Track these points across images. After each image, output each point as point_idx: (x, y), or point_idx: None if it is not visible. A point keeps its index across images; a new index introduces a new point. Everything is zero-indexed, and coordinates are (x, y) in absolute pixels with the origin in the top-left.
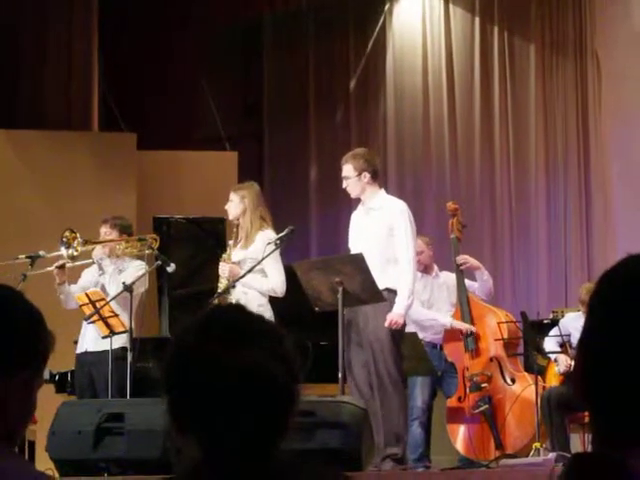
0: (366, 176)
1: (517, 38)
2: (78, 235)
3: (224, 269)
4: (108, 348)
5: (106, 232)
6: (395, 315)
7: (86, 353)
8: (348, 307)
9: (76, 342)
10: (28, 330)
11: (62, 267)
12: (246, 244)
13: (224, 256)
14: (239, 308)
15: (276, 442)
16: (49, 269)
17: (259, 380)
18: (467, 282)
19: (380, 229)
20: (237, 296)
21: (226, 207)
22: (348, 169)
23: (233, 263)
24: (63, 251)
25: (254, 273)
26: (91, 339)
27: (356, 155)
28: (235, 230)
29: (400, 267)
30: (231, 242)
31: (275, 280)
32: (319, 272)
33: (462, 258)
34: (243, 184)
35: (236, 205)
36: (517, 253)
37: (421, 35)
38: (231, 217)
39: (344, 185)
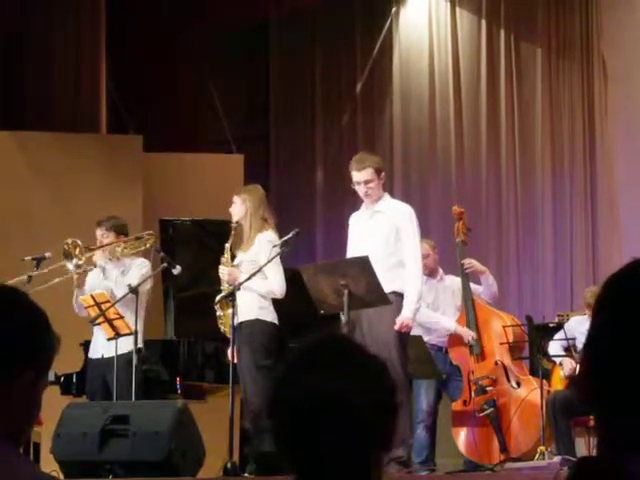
0: (383, 176)
1: (523, 41)
2: (79, 242)
3: (223, 272)
4: (123, 352)
5: (102, 234)
6: (405, 318)
7: (102, 359)
8: (353, 310)
9: (82, 344)
10: (33, 331)
11: (83, 271)
12: (246, 246)
13: (223, 259)
14: (341, 339)
15: (362, 468)
16: (58, 280)
17: (338, 408)
18: (472, 286)
19: (387, 232)
20: (239, 299)
21: (230, 210)
22: (369, 173)
23: (232, 266)
24: (68, 264)
25: (252, 288)
26: (105, 344)
27: (370, 158)
28: (233, 233)
29: (407, 270)
30: (227, 245)
31: (274, 282)
32: (325, 275)
33: (468, 262)
34: (246, 187)
35: (238, 207)
36: (523, 256)
37: (427, 38)
38: (234, 219)
39: (364, 190)
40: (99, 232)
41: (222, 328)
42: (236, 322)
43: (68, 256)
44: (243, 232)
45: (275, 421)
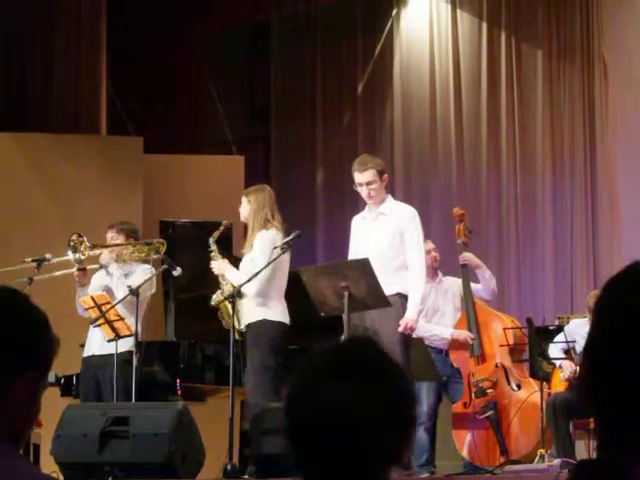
0: (386, 178)
1: (524, 43)
2: (85, 239)
3: (215, 266)
4: (118, 351)
5: (113, 237)
6: (409, 320)
7: (93, 357)
8: (354, 312)
9: (82, 346)
10: (33, 333)
11: (83, 270)
12: (248, 245)
13: (212, 255)
14: (367, 343)
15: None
16: (57, 274)
17: (349, 420)
18: (471, 285)
19: (391, 234)
20: (241, 304)
21: (239, 210)
22: (372, 174)
23: (223, 259)
24: (70, 255)
25: (240, 270)
26: (98, 342)
27: (373, 160)
28: (222, 229)
29: (411, 272)
30: (212, 239)
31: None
32: (325, 277)
33: (462, 257)
34: (253, 187)
35: (244, 208)
36: (523, 258)
37: (428, 39)
38: (241, 219)
39: (366, 192)
40: (109, 235)
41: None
42: (243, 325)
43: (73, 250)
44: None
45: (288, 427)
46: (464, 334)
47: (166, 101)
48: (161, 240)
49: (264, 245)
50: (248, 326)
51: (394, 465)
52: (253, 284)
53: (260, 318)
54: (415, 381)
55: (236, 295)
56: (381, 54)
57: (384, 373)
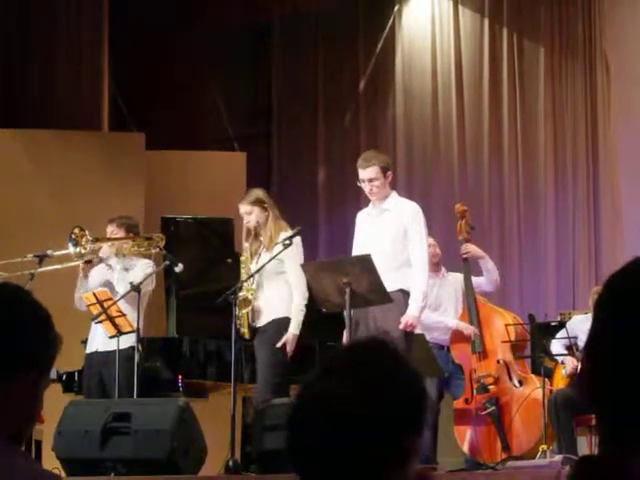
0: (389, 175)
1: (526, 40)
2: (87, 233)
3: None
4: (121, 348)
5: (113, 231)
6: (410, 317)
7: (96, 353)
8: (355, 308)
9: (83, 342)
10: (35, 330)
11: (89, 262)
12: (270, 246)
13: (242, 258)
14: (376, 343)
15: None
16: (58, 267)
17: (335, 416)
18: (473, 279)
19: (395, 230)
20: (262, 299)
21: (245, 222)
22: (375, 171)
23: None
24: (71, 249)
25: (278, 287)
26: (101, 339)
27: (377, 156)
28: (253, 234)
29: (414, 269)
30: (247, 244)
31: (300, 291)
32: (327, 273)
33: (465, 247)
34: (251, 193)
35: (258, 214)
36: (525, 255)
37: (430, 36)
38: (253, 225)
39: (369, 189)
40: (110, 229)
41: (241, 329)
42: (262, 323)
43: (74, 243)
44: (265, 235)
45: (289, 423)
46: (470, 329)
47: (168, 97)
48: (161, 235)
49: (299, 249)
50: (272, 322)
51: (397, 463)
52: (300, 290)
53: (284, 315)
54: None
55: (238, 291)
56: (383, 51)
57: (392, 375)
